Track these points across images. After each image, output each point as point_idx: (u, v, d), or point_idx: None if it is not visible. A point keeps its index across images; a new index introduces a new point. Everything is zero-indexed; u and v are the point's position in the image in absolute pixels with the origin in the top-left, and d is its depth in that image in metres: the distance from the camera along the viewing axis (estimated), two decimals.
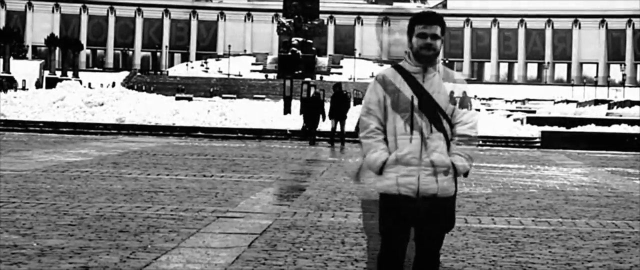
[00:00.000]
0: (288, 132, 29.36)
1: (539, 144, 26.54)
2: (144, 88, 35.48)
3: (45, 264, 7.29)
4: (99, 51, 56.07)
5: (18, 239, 8.27)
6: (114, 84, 36.92)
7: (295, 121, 30.49)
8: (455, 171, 5.43)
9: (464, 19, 57.40)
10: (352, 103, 33.85)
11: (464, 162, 5.42)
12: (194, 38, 56.97)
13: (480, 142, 6.81)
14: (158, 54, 55.97)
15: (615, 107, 33.31)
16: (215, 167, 16.49)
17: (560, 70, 56.22)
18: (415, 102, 5.36)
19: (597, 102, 34.84)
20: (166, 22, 56.76)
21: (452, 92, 5.40)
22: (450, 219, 5.56)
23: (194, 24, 56.78)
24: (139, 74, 47.10)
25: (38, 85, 35.13)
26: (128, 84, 37.18)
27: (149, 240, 8.43)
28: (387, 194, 5.47)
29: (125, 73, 45.58)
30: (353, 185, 13.43)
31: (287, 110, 34.67)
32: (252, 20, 57.65)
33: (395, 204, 5.45)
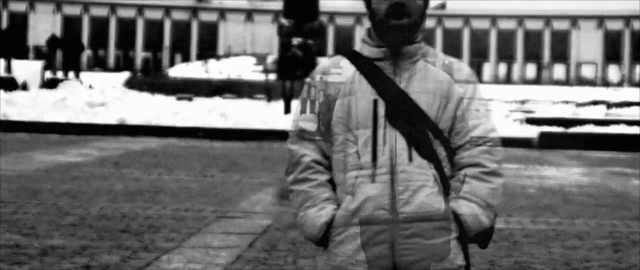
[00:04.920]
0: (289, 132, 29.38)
1: (537, 144, 26.60)
2: (145, 88, 35.49)
3: (47, 263, 7.33)
4: (100, 52, 56.15)
5: (20, 239, 8.32)
6: (115, 85, 36.94)
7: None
8: (462, 228, 3.20)
9: (463, 19, 57.43)
10: None
11: (475, 211, 3.18)
12: (194, 39, 57.09)
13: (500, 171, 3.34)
14: (159, 54, 56.08)
15: (613, 107, 33.35)
16: (216, 167, 16.53)
17: (559, 70, 56.27)
18: (381, 110, 3.17)
19: (595, 102, 34.85)
20: (167, 23, 56.81)
21: (451, 94, 3.23)
22: None
23: (194, 24, 56.86)
24: (140, 74, 47.05)
25: (41, 85, 35.15)
26: (129, 84, 37.19)
27: (150, 240, 8.48)
28: None
29: (127, 73, 45.67)
30: None
31: (287, 110, 34.72)
32: (253, 21, 57.87)
33: None
